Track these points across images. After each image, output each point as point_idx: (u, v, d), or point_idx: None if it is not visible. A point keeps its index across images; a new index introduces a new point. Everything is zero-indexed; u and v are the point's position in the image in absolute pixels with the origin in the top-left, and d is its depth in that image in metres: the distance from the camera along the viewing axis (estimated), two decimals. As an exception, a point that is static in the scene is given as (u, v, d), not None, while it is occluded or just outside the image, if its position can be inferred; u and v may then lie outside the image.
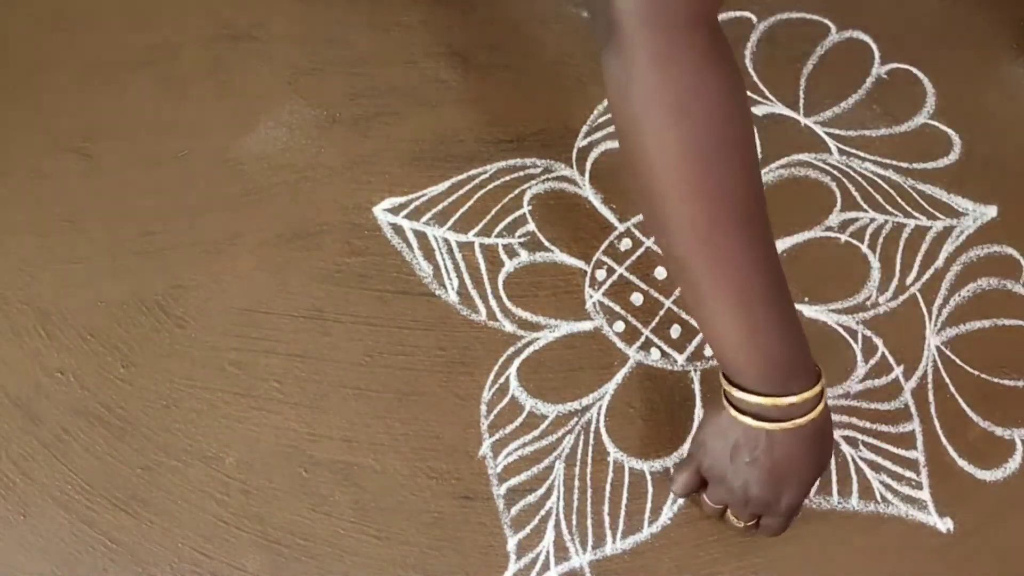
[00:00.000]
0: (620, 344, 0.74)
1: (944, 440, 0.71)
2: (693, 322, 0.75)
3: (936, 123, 0.83)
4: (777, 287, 0.57)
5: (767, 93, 0.84)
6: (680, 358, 0.74)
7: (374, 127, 0.83)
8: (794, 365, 0.58)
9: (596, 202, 0.80)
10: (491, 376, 0.73)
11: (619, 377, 0.73)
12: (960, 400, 0.72)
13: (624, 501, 0.69)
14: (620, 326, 0.75)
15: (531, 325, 0.75)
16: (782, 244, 0.78)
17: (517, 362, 0.74)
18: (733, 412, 0.60)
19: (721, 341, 0.58)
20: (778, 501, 0.61)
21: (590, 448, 0.71)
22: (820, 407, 0.59)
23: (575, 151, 0.82)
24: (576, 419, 0.72)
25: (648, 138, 0.53)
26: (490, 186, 0.80)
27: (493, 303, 0.76)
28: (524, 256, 0.78)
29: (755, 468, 0.59)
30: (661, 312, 0.75)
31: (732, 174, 0.54)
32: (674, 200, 0.54)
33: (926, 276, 0.77)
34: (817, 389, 0.59)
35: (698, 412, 0.72)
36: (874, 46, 0.87)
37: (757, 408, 0.58)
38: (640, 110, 0.53)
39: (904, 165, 0.81)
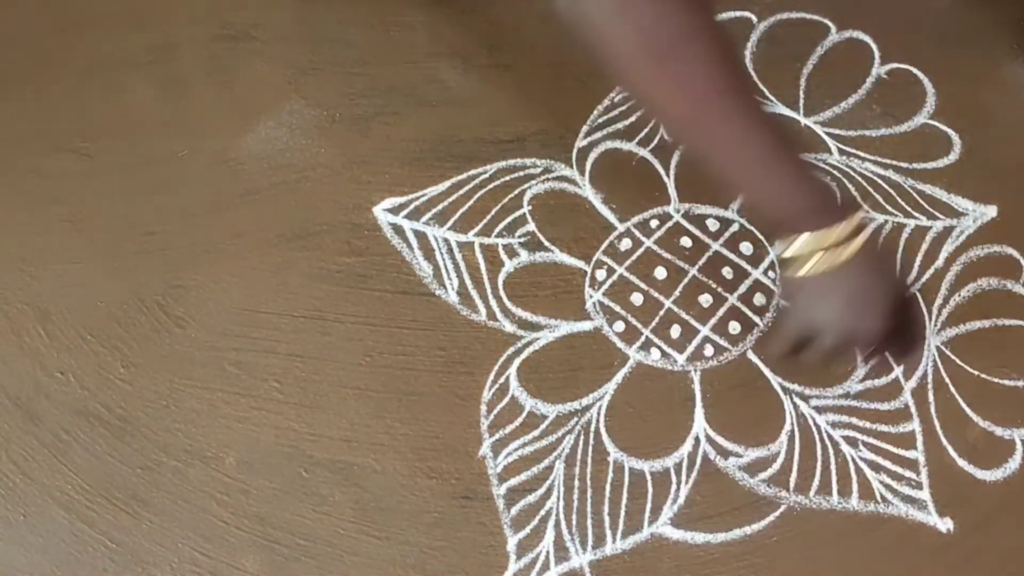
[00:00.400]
0: (620, 344, 0.74)
1: (944, 440, 0.71)
2: (693, 322, 0.75)
3: (936, 123, 0.83)
4: (781, 139, 0.60)
5: (767, 93, 0.84)
6: (680, 358, 0.74)
7: (374, 127, 0.83)
8: (828, 193, 0.62)
9: (596, 202, 0.80)
10: (491, 376, 0.73)
11: (619, 377, 0.73)
12: (960, 400, 0.72)
13: (624, 501, 0.69)
14: (620, 326, 0.75)
15: (531, 325, 0.75)
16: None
17: (517, 362, 0.74)
18: (800, 269, 0.62)
19: (760, 198, 0.62)
20: (859, 328, 0.64)
21: (590, 448, 0.71)
22: (872, 227, 0.62)
23: (575, 151, 0.82)
24: (576, 419, 0.72)
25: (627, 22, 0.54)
26: (490, 186, 0.80)
27: (493, 303, 0.76)
28: (524, 256, 0.78)
29: (834, 302, 0.63)
30: (661, 312, 0.75)
31: (702, 54, 0.56)
32: (658, 83, 0.56)
33: (926, 276, 0.77)
34: (862, 212, 0.62)
35: (698, 412, 0.72)
36: (874, 46, 0.87)
37: (816, 244, 0.61)
38: None
39: (904, 165, 0.81)
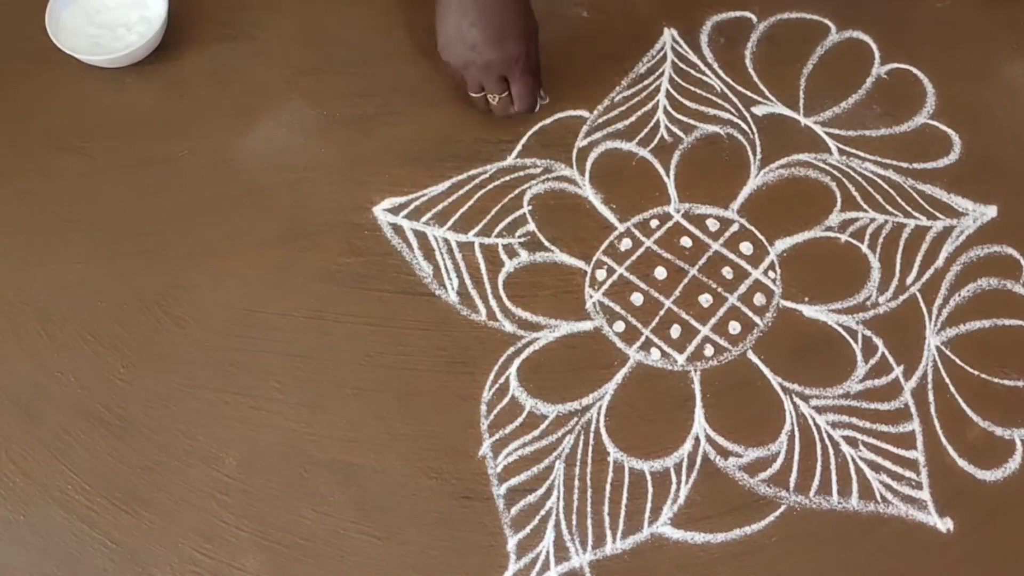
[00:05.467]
0: (620, 344, 0.74)
1: (944, 440, 0.71)
2: (693, 322, 0.75)
3: (936, 123, 0.83)
4: None
5: (767, 93, 0.84)
6: (680, 358, 0.74)
7: (374, 127, 0.83)
8: None
9: (596, 202, 0.80)
10: (491, 376, 0.73)
11: (619, 377, 0.73)
12: (960, 400, 0.72)
13: (624, 501, 0.69)
14: (620, 326, 0.75)
15: (531, 325, 0.75)
16: (782, 244, 0.78)
17: (517, 362, 0.74)
18: None
19: None
20: (508, 53, 0.75)
21: (590, 448, 0.71)
22: None
23: (575, 151, 0.82)
24: (576, 419, 0.72)
25: None
26: (490, 186, 0.80)
27: (493, 303, 0.76)
28: (524, 256, 0.78)
29: (478, 28, 0.73)
30: (661, 312, 0.75)
31: None
32: None
33: (926, 276, 0.77)
34: None
35: (698, 412, 0.72)
36: (874, 46, 0.87)
37: None
38: None
39: (904, 165, 0.81)
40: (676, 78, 0.85)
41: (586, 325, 0.75)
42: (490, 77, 0.77)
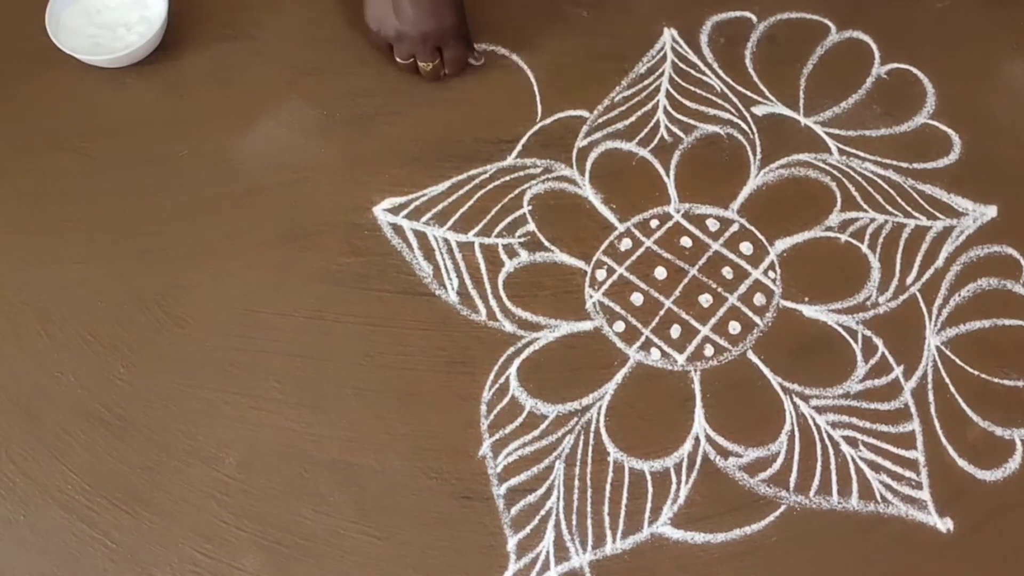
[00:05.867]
0: (620, 344, 0.74)
1: (944, 440, 0.71)
2: (693, 322, 0.75)
3: (936, 123, 0.83)
4: None
5: (767, 93, 0.84)
6: (680, 358, 0.74)
7: (374, 127, 0.83)
8: None
9: (596, 202, 0.80)
10: (491, 376, 0.73)
11: (619, 377, 0.73)
12: (960, 400, 0.72)
13: (624, 501, 0.69)
14: (620, 326, 0.75)
15: (531, 325, 0.75)
16: (782, 244, 0.78)
17: (517, 362, 0.74)
18: None
19: None
20: (443, 25, 0.78)
21: (590, 448, 0.71)
22: None
23: (575, 151, 0.82)
24: (576, 419, 0.72)
25: None
26: (490, 186, 0.80)
27: (493, 303, 0.76)
28: (524, 256, 0.78)
29: (412, 5, 0.76)
30: (661, 312, 0.75)
31: None
32: None
33: (926, 276, 0.77)
34: None
35: (698, 412, 0.72)
36: (874, 46, 0.87)
37: None
38: None
39: (904, 165, 0.81)
40: (676, 78, 0.85)
41: (586, 325, 0.75)
42: (425, 48, 0.79)
